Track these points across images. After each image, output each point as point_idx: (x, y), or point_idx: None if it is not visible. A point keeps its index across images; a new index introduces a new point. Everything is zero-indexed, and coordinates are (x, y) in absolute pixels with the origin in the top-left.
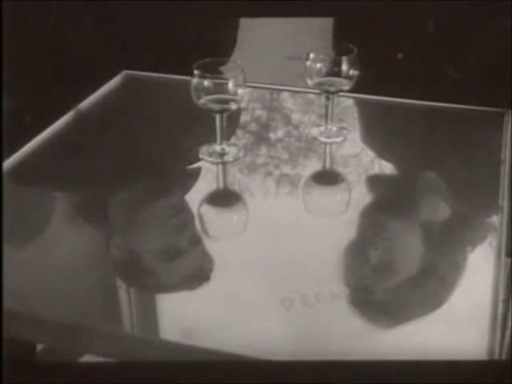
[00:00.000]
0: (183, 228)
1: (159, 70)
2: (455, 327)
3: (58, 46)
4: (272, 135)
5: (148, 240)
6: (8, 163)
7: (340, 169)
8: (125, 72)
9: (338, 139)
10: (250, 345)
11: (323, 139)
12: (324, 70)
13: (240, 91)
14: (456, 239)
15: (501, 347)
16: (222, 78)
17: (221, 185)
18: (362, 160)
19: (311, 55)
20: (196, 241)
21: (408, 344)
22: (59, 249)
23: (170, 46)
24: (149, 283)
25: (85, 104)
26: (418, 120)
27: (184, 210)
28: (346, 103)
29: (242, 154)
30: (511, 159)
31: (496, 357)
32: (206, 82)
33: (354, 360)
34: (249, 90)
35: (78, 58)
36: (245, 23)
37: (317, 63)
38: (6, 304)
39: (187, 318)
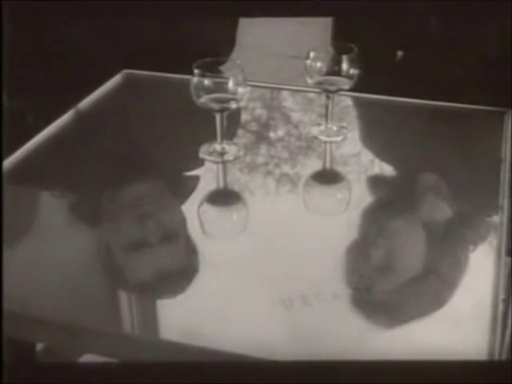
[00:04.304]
0: (182, 228)
1: (159, 69)
2: (455, 327)
3: (57, 46)
4: (272, 134)
5: (148, 240)
6: (8, 163)
7: (340, 168)
8: (125, 72)
9: (338, 138)
10: (250, 345)
11: (323, 138)
12: (324, 68)
13: (240, 90)
14: (456, 238)
15: (501, 347)
16: (222, 77)
17: (221, 184)
18: (362, 159)
19: (311, 54)
20: (195, 240)
21: (408, 344)
22: (59, 249)
23: (169, 45)
24: (149, 283)
25: (85, 104)
26: (418, 119)
27: (183, 210)
28: (346, 102)
29: (242, 153)
30: (511, 158)
31: (496, 357)
32: (206, 81)
33: (355, 360)
34: (249, 89)
35: (78, 58)
36: (245, 23)
37: (317, 62)
38: (6, 304)
39: (187, 317)
